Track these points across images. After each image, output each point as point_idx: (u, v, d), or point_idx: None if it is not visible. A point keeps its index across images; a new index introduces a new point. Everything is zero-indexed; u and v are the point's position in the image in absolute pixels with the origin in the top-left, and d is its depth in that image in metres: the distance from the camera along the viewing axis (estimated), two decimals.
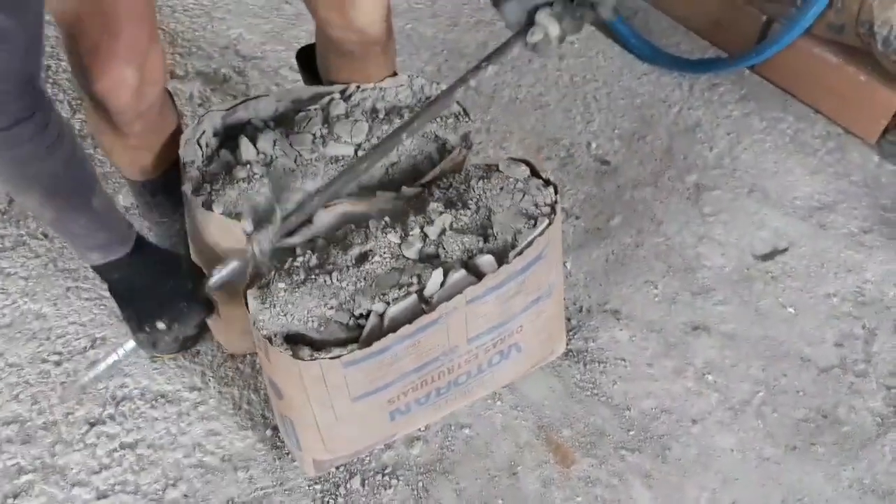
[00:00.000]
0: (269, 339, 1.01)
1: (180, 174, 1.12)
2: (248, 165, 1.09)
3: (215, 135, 1.15)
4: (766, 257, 1.52)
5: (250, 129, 1.16)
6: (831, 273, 1.50)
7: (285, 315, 1.02)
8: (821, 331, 1.42)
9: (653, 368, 1.37)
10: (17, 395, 1.29)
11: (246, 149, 1.12)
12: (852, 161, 1.67)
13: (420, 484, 1.23)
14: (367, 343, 1.00)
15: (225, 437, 1.26)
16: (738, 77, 1.80)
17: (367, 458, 1.25)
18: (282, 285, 1.03)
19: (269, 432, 1.27)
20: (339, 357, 0.99)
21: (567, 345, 1.38)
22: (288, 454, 1.24)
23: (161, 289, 1.06)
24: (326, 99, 1.19)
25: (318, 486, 1.22)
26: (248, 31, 1.83)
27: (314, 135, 1.15)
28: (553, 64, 1.82)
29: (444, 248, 1.07)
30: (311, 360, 1.00)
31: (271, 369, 1.07)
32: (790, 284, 1.48)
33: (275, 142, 1.13)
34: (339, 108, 1.18)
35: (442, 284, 1.03)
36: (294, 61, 1.77)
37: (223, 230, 1.06)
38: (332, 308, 1.02)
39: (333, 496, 1.21)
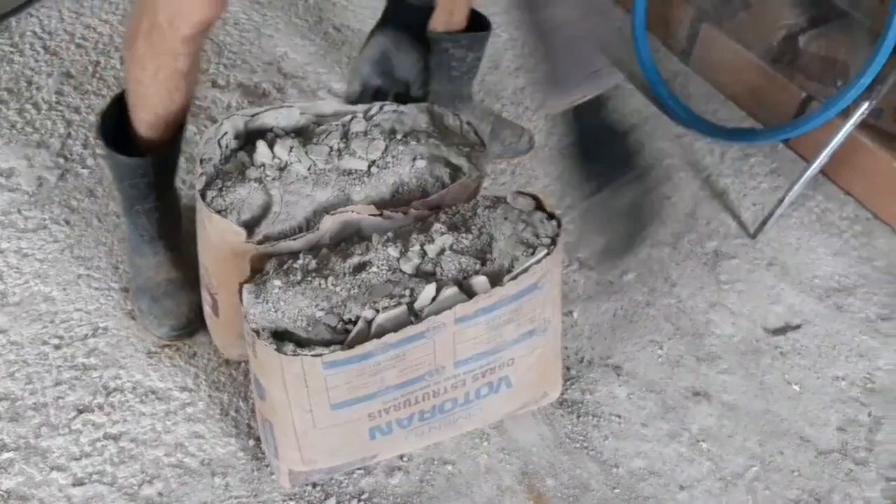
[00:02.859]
0: (257, 332, 1.02)
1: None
2: (262, 167, 1.12)
3: (236, 137, 1.17)
4: (778, 332, 1.49)
5: (270, 136, 1.19)
6: (842, 356, 1.46)
7: (276, 311, 1.03)
8: (825, 413, 1.39)
9: (647, 429, 1.34)
10: (13, 373, 1.31)
11: (262, 151, 1.14)
12: (878, 247, 1.64)
13: None
14: (352, 346, 1.00)
15: (208, 441, 1.26)
16: (772, 150, 1.79)
17: (345, 482, 1.24)
18: (277, 283, 1.05)
19: (251, 442, 1.26)
20: (320, 356, 1.00)
21: (562, 394, 1.36)
22: (267, 466, 1.24)
23: None
24: (348, 117, 1.22)
25: (291, 503, 1.21)
26: (293, 50, 1.88)
27: (331, 147, 1.17)
28: None
29: (441, 267, 1.07)
30: (294, 355, 1.00)
31: (257, 365, 1.08)
32: (798, 362, 1.45)
33: (291, 148, 1.16)
34: (359, 126, 1.20)
35: (434, 300, 1.03)
36: (333, 85, 1.82)
37: (220, 230, 1.08)
38: (322, 310, 1.03)
39: None
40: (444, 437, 1.25)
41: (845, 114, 1.57)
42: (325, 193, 1.14)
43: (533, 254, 1.09)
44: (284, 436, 1.11)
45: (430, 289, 1.03)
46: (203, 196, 1.11)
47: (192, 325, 1.35)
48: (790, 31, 1.72)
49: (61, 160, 1.61)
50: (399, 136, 1.21)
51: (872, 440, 1.36)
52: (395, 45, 1.36)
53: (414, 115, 1.24)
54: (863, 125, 1.61)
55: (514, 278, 1.06)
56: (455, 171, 1.21)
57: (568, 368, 1.40)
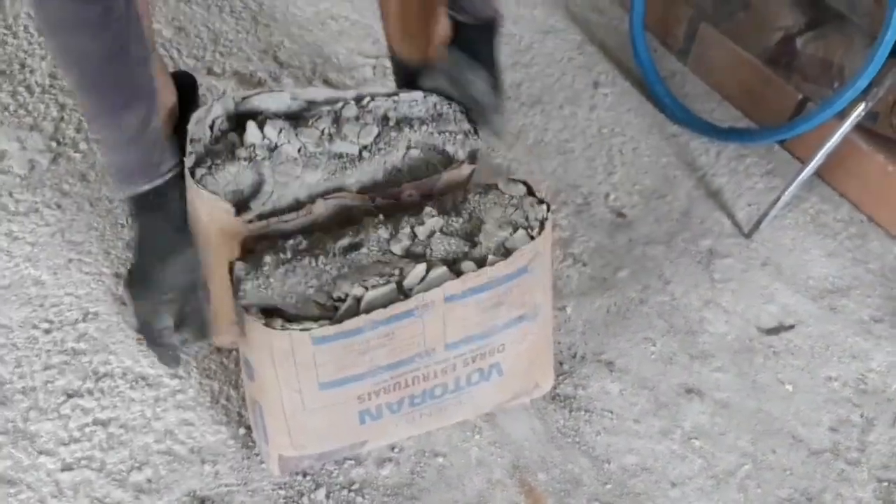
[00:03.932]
0: (246, 309, 1.02)
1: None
2: (252, 147, 1.12)
3: (228, 119, 1.17)
4: (771, 332, 1.49)
5: (260, 119, 1.18)
6: (835, 357, 1.47)
7: (266, 289, 1.03)
8: (817, 413, 1.39)
9: (639, 425, 1.34)
10: (2, 357, 1.29)
11: (252, 132, 1.14)
12: (872, 250, 1.64)
13: None
14: (340, 321, 1.00)
15: (198, 428, 1.25)
16: (767, 151, 1.79)
17: (335, 472, 1.23)
18: (268, 259, 1.05)
19: (241, 430, 1.25)
20: (309, 330, 0.99)
21: (554, 388, 1.36)
22: (257, 455, 1.23)
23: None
24: (340, 103, 1.21)
25: (281, 492, 1.20)
26: (291, 40, 1.87)
27: (322, 131, 1.17)
28: (583, 113, 1.82)
29: (431, 249, 1.08)
30: (282, 329, 1.00)
31: (246, 343, 1.08)
32: (791, 362, 1.45)
33: (281, 130, 1.15)
34: (350, 111, 1.20)
35: (423, 279, 1.03)
36: (329, 74, 1.81)
37: (209, 207, 1.08)
38: (312, 287, 1.03)
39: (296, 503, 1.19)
40: (434, 425, 1.24)
41: (841, 116, 1.57)
42: (314, 176, 1.14)
43: (523, 235, 1.09)
44: (274, 418, 1.11)
45: (419, 268, 1.04)
46: (192, 174, 1.10)
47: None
48: (788, 32, 1.72)
49: (54, 144, 1.59)
50: (392, 123, 1.21)
51: (864, 441, 1.36)
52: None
53: (407, 102, 1.23)
54: (859, 129, 1.61)
55: (504, 256, 1.06)
56: (448, 160, 1.20)
57: (560, 363, 1.40)
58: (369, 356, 1.06)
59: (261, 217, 1.11)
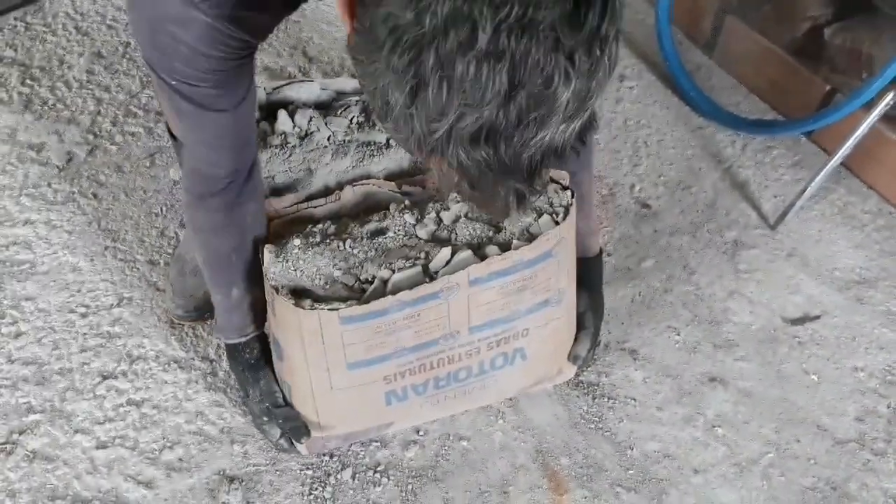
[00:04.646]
0: (276, 289, 1.05)
1: None
2: (283, 135, 1.14)
3: (260, 108, 1.20)
4: (796, 322, 1.49)
5: (291, 108, 1.21)
6: (862, 348, 1.46)
7: (295, 270, 1.06)
8: (843, 403, 1.38)
9: (662, 412, 1.35)
10: (41, 339, 1.34)
11: (283, 120, 1.17)
12: None
13: (410, 487, 1.23)
14: (367, 302, 1.02)
15: (228, 409, 1.28)
16: (794, 143, 1.79)
17: (362, 453, 1.25)
18: (297, 242, 1.08)
19: None
20: (337, 310, 1.02)
21: (579, 375, 1.37)
22: None
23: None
24: None
25: (308, 472, 1.23)
26: (320, 35, 1.90)
27: (350, 120, 1.19)
28: (609, 105, 1.83)
29: (456, 233, 1.09)
30: (311, 309, 1.02)
31: (275, 324, 1.10)
32: (817, 352, 1.44)
33: (311, 118, 1.18)
34: None
35: (448, 263, 1.05)
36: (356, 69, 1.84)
37: None
38: (340, 269, 1.06)
39: (323, 483, 1.22)
40: (458, 409, 1.26)
41: (869, 106, 1.56)
42: (343, 163, 1.16)
43: (548, 220, 1.10)
44: (302, 398, 1.13)
45: (445, 251, 1.06)
46: None
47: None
48: (815, 23, 1.71)
49: (91, 136, 1.64)
50: None
51: (891, 432, 1.35)
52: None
53: None
54: (887, 119, 1.60)
55: (528, 241, 1.08)
56: None
57: None
58: (395, 337, 1.08)
59: (292, 202, 1.14)
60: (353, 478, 1.23)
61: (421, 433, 1.28)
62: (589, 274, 1.33)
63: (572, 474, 1.27)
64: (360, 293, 1.05)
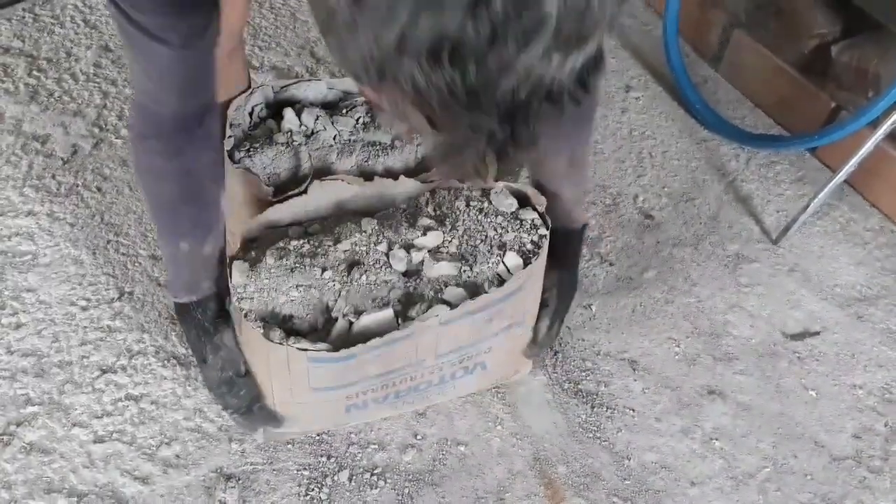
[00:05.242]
0: (245, 314, 1.03)
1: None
2: (290, 133, 1.15)
3: (267, 107, 1.20)
4: (796, 337, 1.49)
5: (298, 107, 1.21)
6: (861, 365, 1.46)
7: (266, 293, 1.05)
8: (840, 420, 1.39)
9: (660, 423, 1.35)
10: (41, 331, 1.33)
11: (290, 118, 1.17)
12: None
13: (406, 490, 1.23)
14: (336, 348, 1.01)
15: None
16: (798, 158, 1.79)
17: (359, 455, 1.25)
18: (270, 262, 1.07)
19: None
20: (305, 350, 1.01)
21: (577, 384, 1.37)
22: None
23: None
24: None
25: (305, 472, 1.23)
26: None
27: (357, 120, 1.20)
28: (614, 116, 1.84)
29: (427, 276, 1.09)
30: (279, 344, 1.01)
31: (242, 340, 1.09)
32: (816, 368, 1.45)
33: (318, 117, 1.18)
34: None
35: (421, 313, 1.05)
36: None
37: (245, 185, 1.10)
38: (312, 299, 1.05)
39: (319, 485, 1.21)
40: (413, 409, 1.27)
41: (874, 125, 1.57)
42: (349, 162, 1.16)
43: (516, 258, 1.11)
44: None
45: (420, 306, 1.05)
46: (231, 157, 1.14)
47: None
48: (822, 40, 1.72)
49: (96, 129, 1.64)
50: None
51: (888, 450, 1.35)
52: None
53: None
54: (892, 138, 1.61)
55: (499, 285, 1.08)
56: None
57: (584, 360, 1.41)
58: (362, 370, 1.08)
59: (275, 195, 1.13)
60: (350, 480, 1.22)
61: (419, 437, 1.28)
62: (566, 248, 1.22)
63: (569, 482, 1.26)
64: (331, 323, 1.04)
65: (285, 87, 1.24)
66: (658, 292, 1.53)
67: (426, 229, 1.12)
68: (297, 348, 1.01)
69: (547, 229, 1.13)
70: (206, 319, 1.12)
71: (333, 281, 1.06)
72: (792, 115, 1.82)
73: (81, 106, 1.68)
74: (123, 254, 1.45)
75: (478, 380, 1.23)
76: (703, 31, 1.96)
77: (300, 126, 1.18)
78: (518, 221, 1.14)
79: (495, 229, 1.13)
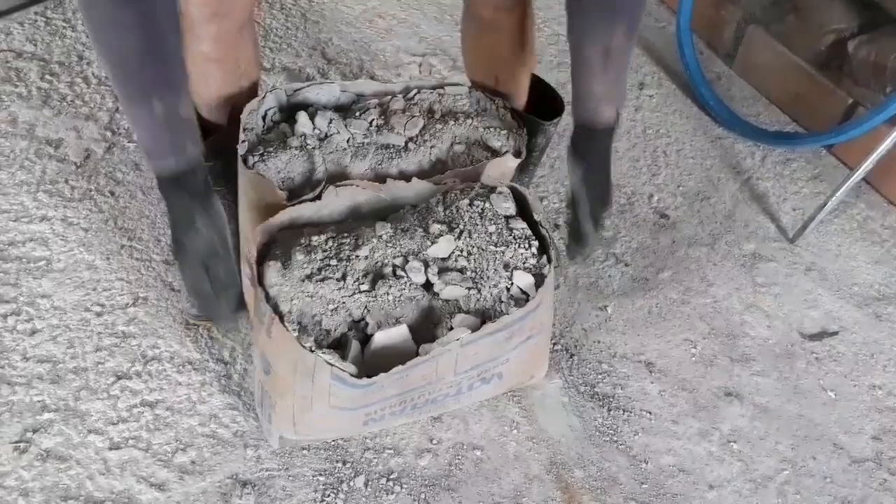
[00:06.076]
0: (281, 316, 1.03)
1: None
2: (303, 137, 1.14)
3: (280, 110, 1.19)
4: (814, 337, 1.48)
5: (311, 110, 1.20)
6: (880, 365, 1.45)
7: (295, 298, 1.05)
8: (860, 421, 1.37)
9: (678, 426, 1.34)
10: (56, 337, 1.33)
11: (303, 122, 1.16)
12: None
13: (423, 496, 1.22)
14: (358, 375, 1.02)
15: (242, 413, 1.28)
16: (814, 156, 1.77)
17: (375, 460, 1.25)
18: (300, 258, 1.07)
19: None
20: (332, 366, 1.01)
21: (594, 387, 1.36)
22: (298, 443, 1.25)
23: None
24: (388, 96, 1.23)
25: (321, 478, 1.22)
26: (338, 36, 1.90)
27: (370, 122, 1.19)
28: (628, 114, 1.82)
29: (442, 287, 1.09)
30: (311, 351, 1.01)
31: (268, 345, 1.07)
32: (834, 368, 1.43)
33: (331, 121, 1.17)
34: (398, 104, 1.22)
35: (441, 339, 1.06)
36: (376, 71, 1.84)
37: (261, 190, 1.10)
38: (339, 309, 1.06)
39: (335, 490, 1.21)
40: (428, 416, 1.27)
41: (892, 122, 1.55)
42: (363, 165, 1.16)
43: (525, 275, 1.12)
44: (282, 410, 1.12)
45: (441, 329, 1.06)
46: (245, 161, 1.13)
47: None
48: (839, 35, 1.70)
49: (109, 133, 1.64)
50: (437, 116, 1.22)
51: None
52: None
53: (453, 96, 1.25)
54: None
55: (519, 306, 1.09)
56: (493, 154, 1.21)
57: (600, 362, 1.40)
58: (381, 393, 1.08)
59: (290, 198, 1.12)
60: (366, 485, 1.22)
61: (435, 441, 1.28)
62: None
63: (586, 487, 1.26)
64: (360, 333, 1.06)
65: (298, 89, 1.23)
66: (674, 293, 1.52)
67: (437, 236, 1.11)
68: (326, 361, 1.01)
69: (538, 241, 1.13)
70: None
71: (359, 292, 1.07)
72: (808, 111, 1.80)
73: (94, 110, 1.68)
74: (137, 259, 1.45)
75: (494, 388, 1.23)
76: (718, 28, 1.94)
77: (314, 129, 1.18)
78: (510, 230, 1.14)
79: (493, 239, 1.13)
